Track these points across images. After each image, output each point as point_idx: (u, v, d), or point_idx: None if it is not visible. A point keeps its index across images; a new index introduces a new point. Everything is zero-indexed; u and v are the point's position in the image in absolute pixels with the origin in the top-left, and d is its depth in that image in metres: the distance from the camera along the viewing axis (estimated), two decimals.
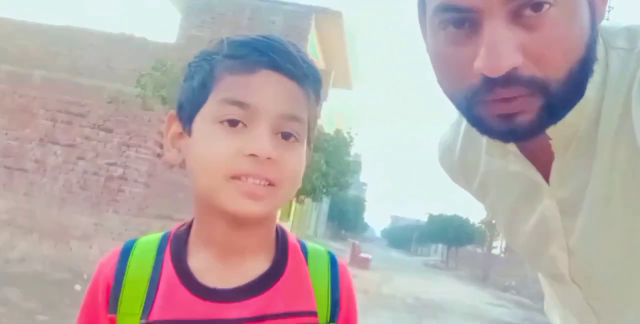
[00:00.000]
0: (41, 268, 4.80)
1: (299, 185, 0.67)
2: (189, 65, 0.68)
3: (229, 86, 0.62)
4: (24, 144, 8.89)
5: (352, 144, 13.50)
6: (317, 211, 27.64)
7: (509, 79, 0.57)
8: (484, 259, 26.14)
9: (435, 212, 36.36)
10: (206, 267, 0.66)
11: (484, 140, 0.76)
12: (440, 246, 40.90)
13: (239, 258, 0.67)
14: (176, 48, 16.44)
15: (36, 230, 7.36)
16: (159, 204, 8.98)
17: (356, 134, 14.12)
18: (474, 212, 35.81)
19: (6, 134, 9.09)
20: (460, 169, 0.90)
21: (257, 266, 0.67)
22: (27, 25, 18.23)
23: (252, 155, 0.60)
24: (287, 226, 18.35)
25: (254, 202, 0.61)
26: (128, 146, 9.15)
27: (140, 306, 0.64)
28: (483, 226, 29.63)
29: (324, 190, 11.75)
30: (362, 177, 63.13)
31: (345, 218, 36.19)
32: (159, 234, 0.71)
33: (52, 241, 7.10)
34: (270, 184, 0.62)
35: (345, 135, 13.32)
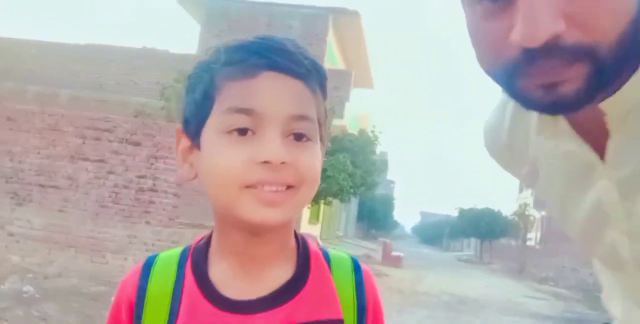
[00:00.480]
0: (78, 282, 4.92)
1: (318, 185, 0.65)
2: (189, 78, 0.66)
3: (232, 94, 0.60)
4: (56, 162, 9.13)
5: (377, 143, 13.44)
6: (346, 212, 27.60)
7: (551, 49, 0.52)
8: (519, 251, 25.71)
9: (466, 207, 35.98)
10: (228, 278, 0.65)
11: (533, 120, 0.72)
12: (472, 240, 40.35)
13: (261, 267, 0.66)
14: (197, 59, 16.63)
15: (72, 245, 7.56)
16: (190, 213, 9.10)
17: (380, 133, 14.04)
18: (505, 204, 35.27)
19: (38, 153, 9.34)
20: (508, 153, 0.85)
21: (279, 274, 0.66)
22: (51, 45, 18.69)
23: (265, 162, 0.58)
24: (316, 228, 18.47)
25: (273, 210, 0.60)
26: (156, 158, 9.31)
27: (165, 321, 0.64)
28: (516, 218, 29.16)
29: (352, 190, 11.71)
30: (390, 175, 62.78)
31: (374, 217, 36.04)
32: (180, 248, 0.71)
33: (88, 255, 7.28)
34: (289, 187, 0.60)
35: (370, 134, 13.26)
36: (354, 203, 28.44)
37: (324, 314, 0.65)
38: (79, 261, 7.11)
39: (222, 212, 0.64)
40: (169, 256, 0.70)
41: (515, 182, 37.22)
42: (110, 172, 9.26)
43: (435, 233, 62.60)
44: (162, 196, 9.08)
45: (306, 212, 15.04)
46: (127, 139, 9.62)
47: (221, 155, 0.60)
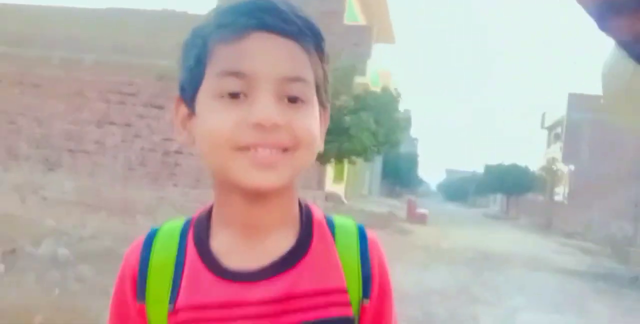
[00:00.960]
0: (111, 243, 5.09)
1: (318, 148, 0.64)
2: (184, 45, 0.65)
3: (223, 57, 0.59)
4: (83, 127, 9.29)
5: (400, 100, 13.24)
6: (370, 170, 27.66)
7: None
8: (546, 206, 25.57)
9: (492, 163, 35.66)
10: (229, 248, 0.64)
11: None
12: (499, 196, 40.20)
13: (262, 235, 0.65)
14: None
15: (103, 207, 7.78)
16: None
17: (403, 90, 13.82)
18: (533, 160, 34.75)
19: (66, 118, 9.51)
20: (632, 99, 0.80)
21: (281, 243, 0.65)
22: (73, 11, 18.68)
23: (257, 124, 0.57)
24: (341, 187, 18.59)
25: (268, 173, 0.58)
26: None
27: (168, 292, 0.64)
28: (543, 173, 28.84)
29: (375, 149, 11.68)
30: (413, 132, 62.24)
31: (399, 175, 36.04)
32: (183, 220, 0.70)
33: (119, 216, 7.49)
34: (285, 150, 0.59)
35: (393, 92, 13.07)
36: (378, 161, 28.44)
37: (326, 283, 0.64)
38: (111, 222, 7.33)
39: (219, 178, 0.63)
40: (171, 228, 0.69)
41: (543, 137, 36.54)
42: (136, 136, 9.40)
43: (460, 190, 62.50)
44: (187, 158, 9.20)
45: (330, 172, 15.14)
46: (151, 103, 9.68)
47: (213, 119, 0.59)
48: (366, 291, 0.67)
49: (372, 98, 11.62)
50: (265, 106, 0.57)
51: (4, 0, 18.64)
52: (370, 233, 0.72)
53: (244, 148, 0.58)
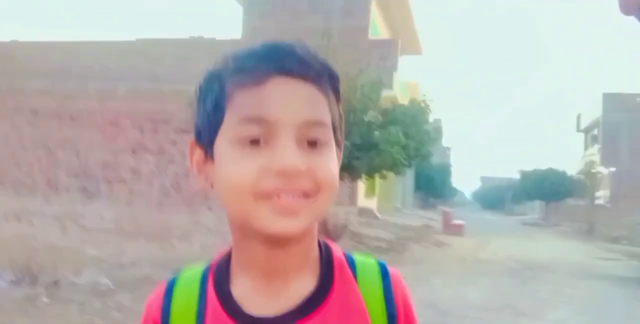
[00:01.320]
0: (150, 270, 5.17)
1: (337, 190, 0.63)
2: (199, 88, 0.65)
3: (242, 103, 0.59)
4: (119, 156, 9.56)
5: (429, 111, 13.14)
6: (402, 183, 27.42)
7: None
8: (588, 211, 24.77)
9: (528, 168, 34.89)
10: (250, 294, 0.64)
11: None
12: (537, 203, 39.20)
13: (283, 279, 0.64)
14: (243, 42, 16.83)
15: (141, 234, 7.93)
16: None
17: (431, 101, 13.70)
18: (570, 164, 33.87)
19: (102, 148, 9.81)
20: None
21: (302, 287, 0.64)
22: (105, 44, 19.47)
23: (280, 171, 0.56)
24: (373, 202, 18.45)
25: (291, 219, 0.58)
26: None
27: None
28: (582, 177, 28.03)
29: (406, 162, 11.56)
30: (445, 142, 61.47)
31: (432, 186, 35.60)
32: (202, 265, 0.70)
33: (157, 242, 7.63)
34: (306, 196, 0.58)
35: (421, 103, 12.98)
36: (410, 173, 28.18)
37: None
38: (149, 249, 7.46)
39: (240, 224, 0.62)
40: (191, 275, 0.69)
41: (579, 140, 35.57)
42: (170, 162, 9.59)
43: (497, 198, 61.19)
44: None
45: (362, 187, 15.08)
46: (182, 129, 9.89)
47: (234, 166, 0.58)
48: None
49: (400, 111, 11.56)
50: (287, 153, 0.57)
51: (42, 38, 19.51)
52: (392, 270, 0.71)
53: (265, 195, 0.57)
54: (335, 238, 9.65)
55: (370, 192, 17.68)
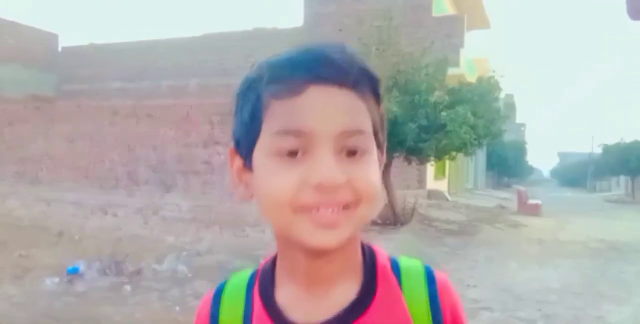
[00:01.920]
0: (224, 257, 5.39)
1: (379, 200, 0.61)
2: (237, 96, 0.64)
3: (279, 114, 0.57)
4: (192, 150, 9.95)
5: (498, 88, 12.63)
6: (474, 163, 26.66)
7: None
8: None
9: (610, 142, 32.85)
10: (294, 300, 0.64)
11: None
12: (622, 178, 36.91)
13: (326, 287, 0.63)
14: (305, 29, 16.94)
15: (216, 223, 8.27)
16: None
17: (501, 76, 13.14)
18: None
19: (176, 143, 10.25)
20: None
21: (345, 293, 0.63)
22: (175, 41, 20.35)
23: (319, 185, 0.55)
24: (443, 183, 18.10)
25: (331, 232, 0.57)
26: None
27: None
28: None
29: (476, 142, 11.22)
30: (519, 118, 58.93)
31: (506, 164, 34.34)
32: (249, 271, 0.71)
33: (231, 230, 7.92)
34: (345, 207, 0.57)
35: (490, 80, 12.50)
36: (481, 153, 27.35)
37: None
38: (224, 236, 7.77)
39: (281, 234, 0.62)
40: (238, 280, 0.70)
41: None
42: None
43: (577, 174, 58.21)
44: None
45: (431, 169, 14.83)
46: None
47: (272, 178, 0.57)
48: None
49: (467, 90, 11.20)
50: (326, 166, 0.56)
51: (116, 40, 20.60)
52: (440, 275, 0.69)
53: (305, 209, 0.56)
54: (404, 222, 9.59)
55: (439, 174, 17.36)
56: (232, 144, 0.66)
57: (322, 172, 0.55)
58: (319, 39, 13.61)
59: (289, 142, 0.57)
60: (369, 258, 0.66)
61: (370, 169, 0.60)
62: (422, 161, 10.71)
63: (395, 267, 0.67)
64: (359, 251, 0.66)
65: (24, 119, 11.55)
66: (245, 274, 0.70)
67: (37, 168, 11.10)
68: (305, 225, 0.57)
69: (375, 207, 0.61)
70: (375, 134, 0.62)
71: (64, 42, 25.02)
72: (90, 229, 8.58)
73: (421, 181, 14.92)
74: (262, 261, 0.70)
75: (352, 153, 0.58)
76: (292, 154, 0.57)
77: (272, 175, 0.57)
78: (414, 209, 10.25)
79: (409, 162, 10.44)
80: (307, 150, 0.57)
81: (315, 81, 0.57)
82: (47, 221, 8.74)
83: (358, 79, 0.59)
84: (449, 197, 15.70)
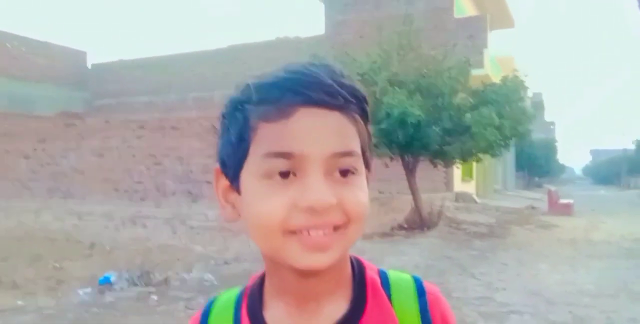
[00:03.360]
0: (250, 265, 5.43)
1: (366, 220, 0.61)
2: (223, 116, 0.63)
3: (268, 137, 0.57)
4: (217, 160, 10.08)
5: (525, 87, 12.43)
6: (502, 164, 26.24)
7: None
8: None
9: None
10: (284, 318, 0.64)
11: None
12: None
13: (315, 304, 0.63)
14: (326, 38, 17.04)
15: (243, 231, 8.34)
16: None
17: (526, 76, 12.92)
18: None
19: (202, 154, 10.41)
20: None
21: (335, 309, 0.63)
22: (200, 54, 20.77)
23: (310, 208, 0.55)
24: (471, 185, 17.78)
25: (321, 254, 0.56)
26: None
27: None
28: None
29: (502, 143, 11.06)
30: (548, 116, 57.76)
31: (535, 164, 33.69)
32: (237, 290, 0.70)
33: None
34: (335, 228, 0.57)
35: (514, 79, 12.31)
36: (510, 153, 26.90)
37: None
38: (251, 244, 7.82)
39: (270, 255, 0.61)
40: (226, 299, 0.69)
41: None
42: None
43: (610, 171, 56.67)
44: None
45: (458, 171, 14.66)
46: None
47: (262, 202, 0.56)
48: None
49: (491, 90, 11.07)
50: (317, 188, 0.55)
51: (143, 55, 21.12)
52: (430, 287, 0.68)
53: (295, 231, 0.56)
54: (431, 226, 9.50)
55: (467, 176, 17.14)
56: (217, 165, 0.65)
57: (313, 195, 0.55)
58: (341, 46, 13.64)
59: (280, 164, 0.56)
60: (358, 272, 0.66)
61: (360, 190, 0.59)
62: (448, 164, 10.61)
63: (385, 280, 0.67)
64: (348, 265, 0.66)
65: (55, 135, 11.90)
66: (233, 293, 0.70)
67: (69, 183, 11.41)
68: (295, 248, 0.56)
69: (363, 228, 0.61)
70: (364, 153, 0.62)
71: (93, 59, 25.71)
72: (121, 240, 8.76)
73: (448, 184, 14.76)
74: (250, 280, 0.70)
75: (343, 174, 0.58)
76: (283, 176, 0.56)
77: (261, 198, 0.56)
78: (440, 212, 10.15)
79: (435, 166, 10.35)
80: (298, 172, 0.56)
81: (305, 103, 0.57)
82: (79, 234, 8.96)
83: (347, 100, 0.59)
84: (477, 200, 15.48)
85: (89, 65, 23.56)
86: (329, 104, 0.57)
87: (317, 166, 0.56)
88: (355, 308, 0.63)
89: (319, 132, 0.57)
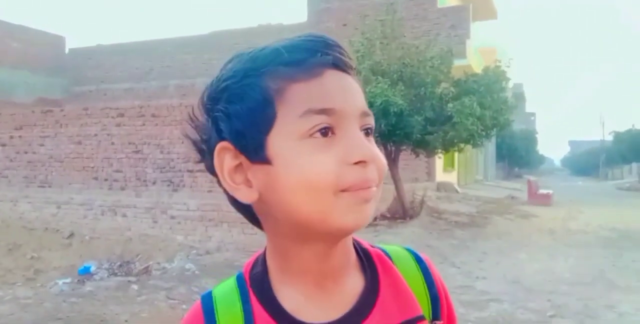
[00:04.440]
0: (232, 254, 5.41)
1: None
2: (226, 87, 0.59)
3: (301, 96, 0.56)
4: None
5: (506, 78, 12.51)
6: (483, 154, 26.50)
7: None
8: None
9: (622, 129, 32.51)
10: (302, 302, 0.61)
11: None
12: (634, 165, 36.50)
13: (333, 281, 0.62)
14: (309, 25, 16.92)
15: (224, 221, 8.30)
16: None
17: (508, 67, 13.01)
18: None
19: (182, 142, 10.28)
20: None
21: (352, 284, 0.63)
22: (182, 40, 20.46)
23: (359, 162, 0.55)
24: (452, 175, 17.92)
25: (368, 209, 0.57)
26: None
27: None
28: None
29: (483, 133, 11.16)
30: (529, 107, 58.40)
31: (515, 155, 34.13)
32: (233, 283, 0.65)
33: (239, 227, 7.95)
34: (376, 185, 0.58)
35: (496, 70, 12.37)
36: (491, 143, 27.18)
37: (405, 315, 0.63)
38: (233, 234, 7.82)
39: (306, 225, 0.57)
40: (228, 293, 0.64)
41: None
42: None
43: (588, 163, 57.70)
44: None
45: (439, 161, 14.76)
46: None
47: (310, 160, 0.54)
48: (436, 313, 0.67)
49: (473, 81, 11.13)
50: (363, 142, 0.56)
51: (123, 40, 20.73)
52: (422, 254, 0.71)
53: (345, 190, 0.55)
54: (412, 216, 9.55)
55: (448, 166, 17.27)
56: (196, 156, 0.61)
57: (362, 148, 0.56)
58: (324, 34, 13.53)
59: (322, 120, 0.55)
60: (358, 246, 0.67)
61: (377, 149, 0.60)
62: (430, 154, 10.67)
63: (384, 252, 0.69)
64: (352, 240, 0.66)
65: (32, 123, 11.66)
66: (231, 285, 0.65)
67: (47, 171, 11.20)
68: (344, 205, 0.55)
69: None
70: None
71: (71, 44, 25.20)
72: (100, 230, 8.65)
73: (430, 174, 14.86)
74: (245, 267, 0.66)
75: (367, 134, 0.59)
76: (324, 134, 0.55)
77: (308, 157, 0.55)
78: (422, 202, 10.22)
79: (417, 155, 10.40)
80: (337, 129, 0.56)
81: (329, 65, 0.58)
82: (57, 223, 8.84)
83: (354, 67, 0.61)
84: (459, 189, 15.63)
85: (67, 51, 23.06)
86: (347, 67, 0.60)
87: (354, 122, 0.57)
88: (371, 280, 0.64)
89: (349, 91, 0.59)
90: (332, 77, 0.57)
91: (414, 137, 9.20)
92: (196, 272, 4.76)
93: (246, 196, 0.58)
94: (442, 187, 14.88)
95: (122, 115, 10.76)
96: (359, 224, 0.57)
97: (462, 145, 10.58)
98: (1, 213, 10.62)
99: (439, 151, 10.23)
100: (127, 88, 20.92)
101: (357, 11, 15.16)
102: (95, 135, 10.71)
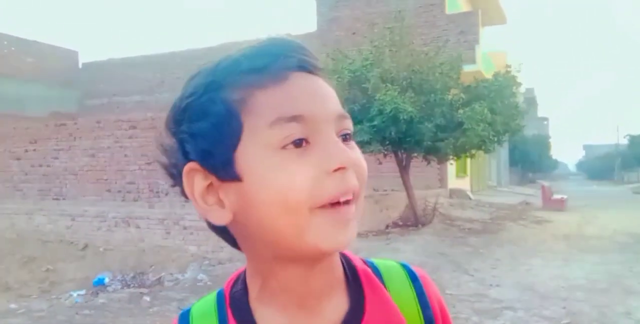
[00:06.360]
0: (243, 265, 5.40)
1: None
2: (187, 105, 0.55)
3: (267, 104, 0.52)
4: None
5: (517, 83, 12.45)
6: (496, 160, 26.32)
7: None
8: None
9: (637, 132, 32.12)
10: (285, 322, 0.58)
11: None
12: None
13: (316, 302, 0.58)
14: (318, 34, 17.00)
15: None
16: None
17: (518, 72, 12.95)
18: None
19: None
20: None
21: (336, 306, 0.59)
22: (192, 52, 20.70)
23: (338, 169, 0.51)
24: (465, 181, 17.76)
25: (350, 229, 0.52)
26: None
27: None
28: None
29: (495, 139, 11.11)
30: (541, 112, 57.97)
31: (529, 160, 33.84)
32: (213, 301, 0.62)
33: None
34: (355, 196, 0.53)
35: (506, 75, 12.32)
36: (503, 149, 26.99)
37: None
38: None
39: (282, 245, 0.53)
40: (205, 313, 0.62)
41: None
42: None
43: (603, 166, 56.99)
44: None
45: (452, 168, 14.69)
46: None
47: (282, 174, 0.50)
48: None
49: (483, 86, 11.09)
50: (340, 146, 0.52)
51: (134, 53, 21.02)
52: (420, 271, 0.67)
53: (324, 206, 0.51)
54: (425, 223, 9.50)
55: (461, 172, 17.17)
56: (183, 166, 0.55)
57: (338, 154, 0.51)
58: (333, 43, 13.60)
59: (293, 129, 0.51)
60: (347, 264, 0.62)
61: (359, 153, 0.56)
62: (441, 160, 10.62)
63: (375, 269, 0.64)
64: (339, 256, 0.62)
65: (46, 136, 11.81)
66: (209, 304, 0.62)
67: (61, 184, 11.33)
68: (323, 224, 0.51)
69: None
70: None
71: (84, 58, 25.60)
72: (114, 242, 8.70)
73: (442, 180, 14.78)
74: (226, 285, 0.64)
75: (346, 138, 0.55)
76: (297, 145, 0.51)
77: (281, 170, 0.50)
78: (434, 209, 10.16)
79: (428, 162, 10.36)
80: (311, 137, 0.52)
81: (296, 68, 0.54)
82: (72, 236, 8.92)
83: (322, 68, 0.57)
84: (472, 196, 15.52)
85: (80, 65, 23.41)
86: (314, 68, 0.56)
87: (329, 126, 0.53)
88: (356, 301, 0.60)
89: (319, 94, 0.54)
90: (299, 81, 0.53)
91: (425, 144, 9.18)
92: (208, 283, 4.76)
93: (219, 218, 0.54)
94: (454, 193, 14.79)
95: (134, 127, 10.86)
96: (339, 247, 0.53)
97: (473, 151, 10.52)
98: (17, 226, 10.75)
99: (451, 157, 10.19)
100: (138, 100, 21.14)
101: (366, 20, 15.23)
102: (109, 147, 10.82)
